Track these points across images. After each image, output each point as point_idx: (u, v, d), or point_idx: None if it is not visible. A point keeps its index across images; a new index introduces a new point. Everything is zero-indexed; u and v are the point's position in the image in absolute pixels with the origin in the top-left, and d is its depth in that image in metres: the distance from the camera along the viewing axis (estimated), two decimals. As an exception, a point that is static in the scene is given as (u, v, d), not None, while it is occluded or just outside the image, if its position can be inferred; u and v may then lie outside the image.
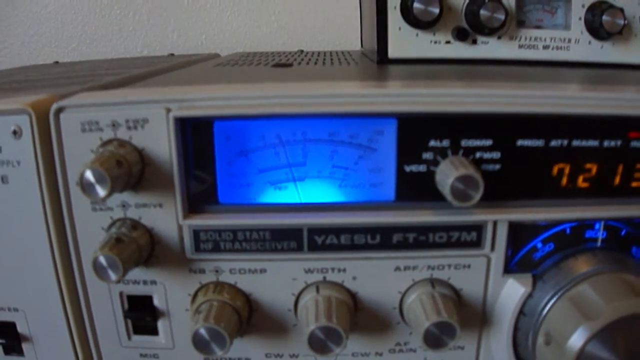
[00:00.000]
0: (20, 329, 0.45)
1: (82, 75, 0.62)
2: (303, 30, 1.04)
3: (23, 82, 0.58)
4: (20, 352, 0.46)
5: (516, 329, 0.42)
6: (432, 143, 0.38)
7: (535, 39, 0.57)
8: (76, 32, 1.06)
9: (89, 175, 0.35)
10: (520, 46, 0.57)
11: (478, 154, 0.38)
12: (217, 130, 0.39)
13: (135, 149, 0.38)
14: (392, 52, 0.57)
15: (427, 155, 0.39)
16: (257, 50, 1.02)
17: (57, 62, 0.95)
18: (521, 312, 0.41)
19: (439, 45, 0.56)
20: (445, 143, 0.38)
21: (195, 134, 0.39)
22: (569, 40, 0.57)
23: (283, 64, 0.61)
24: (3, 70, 0.84)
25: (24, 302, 0.44)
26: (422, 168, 0.39)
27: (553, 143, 0.39)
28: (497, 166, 0.39)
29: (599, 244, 0.42)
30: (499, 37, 0.56)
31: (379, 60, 0.57)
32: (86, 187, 0.35)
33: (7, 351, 0.46)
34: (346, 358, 0.44)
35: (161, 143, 0.38)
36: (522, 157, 0.39)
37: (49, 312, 0.44)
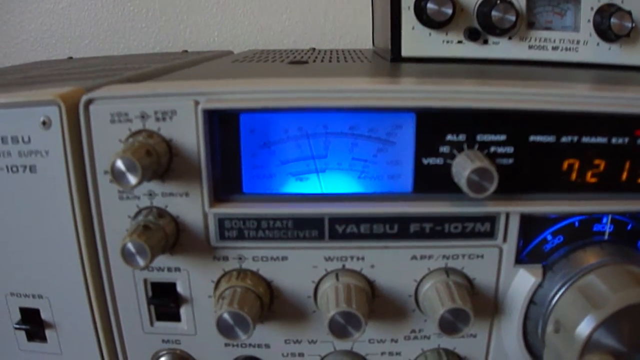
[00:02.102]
0: (44, 315, 0.46)
1: (101, 69, 0.62)
2: (314, 29, 1.05)
3: (41, 76, 0.59)
4: (43, 339, 0.47)
5: (526, 317, 0.43)
6: (449, 137, 0.40)
7: (545, 40, 0.58)
8: (89, 28, 1.07)
9: (119, 164, 0.36)
10: (530, 47, 0.58)
11: (492, 149, 0.40)
12: (243, 122, 0.40)
13: (163, 140, 0.40)
14: (405, 50, 0.58)
15: (444, 149, 0.40)
16: (269, 47, 1.03)
17: (70, 58, 0.96)
18: (531, 302, 0.43)
19: (451, 44, 0.58)
20: (462, 137, 0.40)
21: (221, 126, 0.40)
22: (578, 42, 0.58)
23: (299, 61, 0.62)
24: (17, 65, 0.85)
25: (48, 289, 0.45)
26: (439, 161, 0.40)
27: (563, 139, 0.40)
28: (511, 160, 0.40)
29: (606, 237, 0.43)
30: (510, 38, 0.57)
31: (392, 59, 0.58)
32: (117, 176, 0.36)
33: (31, 337, 0.47)
34: (363, 344, 0.45)
35: (189, 134, 0.40)
36: (534, 152, 0.40)
37: (73, 299, 0.45)
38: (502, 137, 0.40)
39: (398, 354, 0.46)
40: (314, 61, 0.63)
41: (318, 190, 0.42)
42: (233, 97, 0.40)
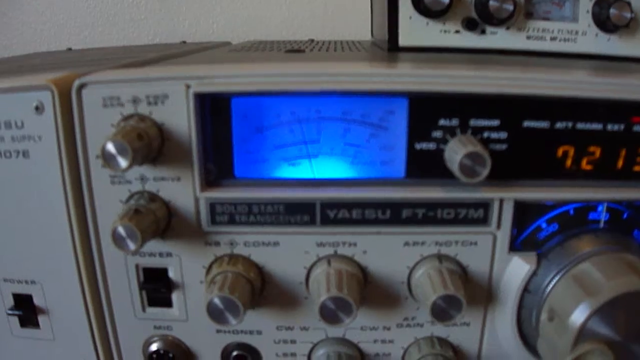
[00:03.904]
0: (36, 301, 0.46)
1: (98, 59, 0.63)
2: (313, 21, 1.05)
3: (40, 64, 0.59)
4: (36, 325, 0.47)
5: (520, 306, 0.43)
6: (442, 122, 0.39)
7: (543, 30, 0.57)
8: (88, 20, 1.07)
9: (110, 147, 0.36)
10: (528, 37, 0.57)
11: (486, 134, 0.40)
12: (235, 107, 0.40)
13: (155, 124, 0.40)
14: (403, 40, 0.57)
15: (437, 134, 0.40)
16: (267, 39, 1.03)
17: (70, 49, 0.96)
18: (526, 290, 0.42)
19: (448, 34, 0.57)
20: (455, 122, 0.39)
21: (213, 111, 0.40)
22: (576, 33, 0.57)
23: (296, 50, 0.62)
24: (17, 55, 0.85)
25: (41, 275, 0.45)
26: (431, 146, 0.40)
27: (558, 125, 0.40)
28: (504, 146, 0.40)
29: (601, 225, 0.43)
30: (508, 28, 0.57)
31: (390, 48, 0.57)
32: (108, 159, 0.36)
33: (24, 323, 0.47)
34: (355, 332, 0.45)
35: (180, 118, 0.39)
36: (528, 138, 0.40)
37: (66, 285, 0.45)
38: (496, 122, 0.39)
39: (391, 341, 0.46)
40: (311, 50, 0.63)
41: (310, 176, 0.41)
42: (225, 81, 0.40)
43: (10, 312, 0.47)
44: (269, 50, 0.64)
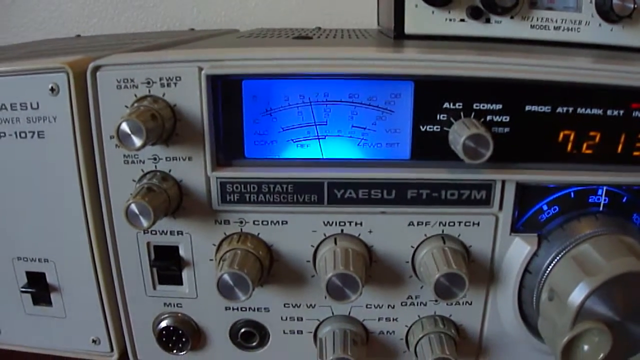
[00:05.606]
0: (49, 279, 0.47)
1: (109, 44, 0.63)
2: (320, 9, 1.05)
3: (51, 50, 0.60)
4: (48, 302, 0.48)
5: (522, 286, 0.44)
6: (446, 105, 0.40)
7: (547, 19, 0.58)
8: (97, 7, 1.07)
9: (125, 126, 0.37)
10: (532, 26, 0.58)
11: (489, 117, 0.40)
12: (245, 89, 0.41)
13: (168, 105, 0.41)
14: (408, 28, 0.58)
15: (441, 117, 0.41)
16: (275, 27, 1.03)
17: (79, 36, 0.97)
18: (527, 270, 0.43)
19: (453, 22, 0.58)
20: (459, 105, 0.40)
21: (224, 93, 0.41)
22: (580, 22, 0.57)
23: (303, 37, 0.63)
24: (27, 42, 0.86)
25: (54, 253, 0.46)
26: (436, 128, 0.41)
27: (559, 110, 0.40)
28: (507, 129, 0.41)
29: (601, 208, 0.43)
30: (512, 17, 0.57)
31: (396, 36, 0.58)
32: (122, 138, 0.37)
33: (36, 301, 0.49)
34: (360, 309, 0.46)
35: (193, 100, 0.41)
36: (530, 122, 0.41)
37: (78, 263, 0.46)
38: (499, 106, 0.40)
39: (395, 319, 0.47)
40: (319, 37, 0.63)
41: (318, 156, 0.42)
42: (236, 64, 0.41)
43: (23, 289, 0.48)
44: (276, 36, 0.65)
